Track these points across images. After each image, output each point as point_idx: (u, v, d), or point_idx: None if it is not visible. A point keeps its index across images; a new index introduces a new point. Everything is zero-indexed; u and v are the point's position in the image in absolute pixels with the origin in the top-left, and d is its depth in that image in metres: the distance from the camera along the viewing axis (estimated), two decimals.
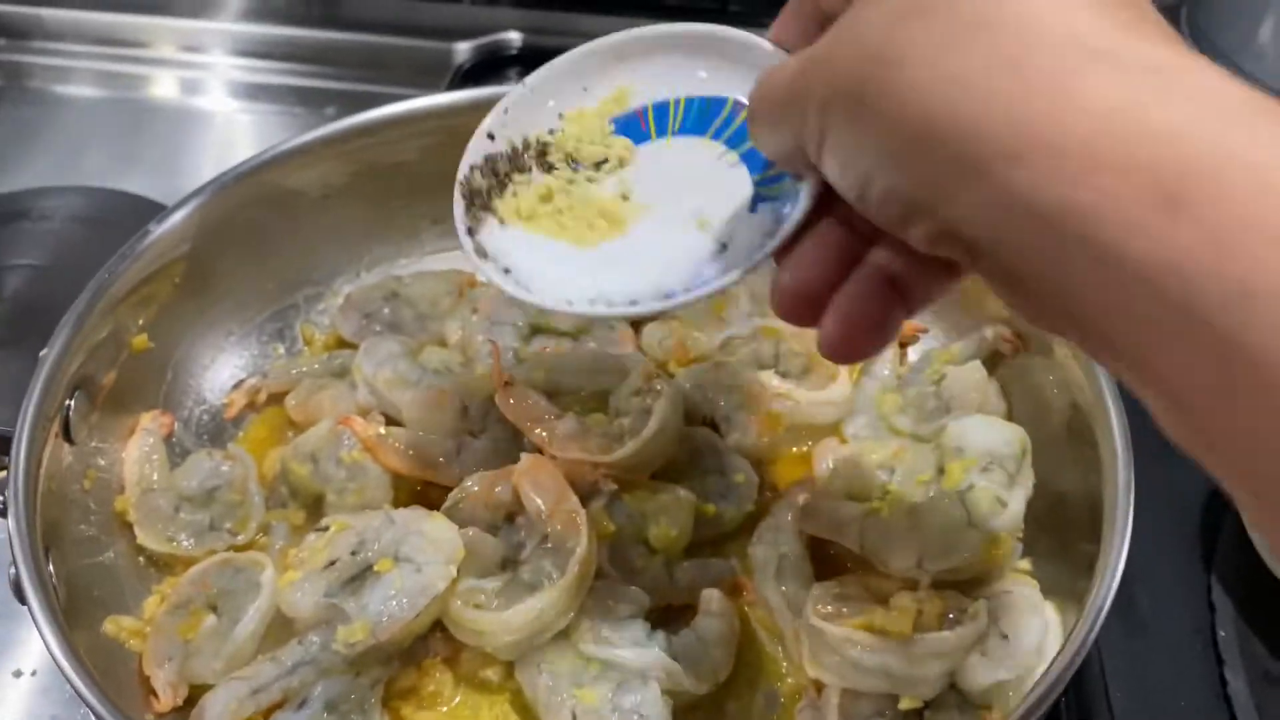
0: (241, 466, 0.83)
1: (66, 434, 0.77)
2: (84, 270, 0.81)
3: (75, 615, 0.70)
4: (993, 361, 0.87)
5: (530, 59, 1.29)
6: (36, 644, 0.71)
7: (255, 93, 1.34)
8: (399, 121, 0.93)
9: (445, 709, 0.73)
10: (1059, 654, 0.62)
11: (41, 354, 0.75)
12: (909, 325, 0.94)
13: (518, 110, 0.63)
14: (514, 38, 1.34)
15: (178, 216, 0.84)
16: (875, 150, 0.39)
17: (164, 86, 1.38)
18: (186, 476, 0.82)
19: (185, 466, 0.83)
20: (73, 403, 0.77)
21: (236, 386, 0.92)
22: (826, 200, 0.48)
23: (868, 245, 0.48)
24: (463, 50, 1.37)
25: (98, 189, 1.19)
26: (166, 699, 0.71)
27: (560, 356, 0.89)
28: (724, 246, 0.56)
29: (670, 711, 0.71)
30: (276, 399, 0.91)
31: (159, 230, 0.83)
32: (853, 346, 0.49)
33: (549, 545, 0.74)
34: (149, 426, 0.84)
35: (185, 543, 0.79)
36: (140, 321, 0.84)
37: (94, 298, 0.78)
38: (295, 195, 0.92)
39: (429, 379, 0.86)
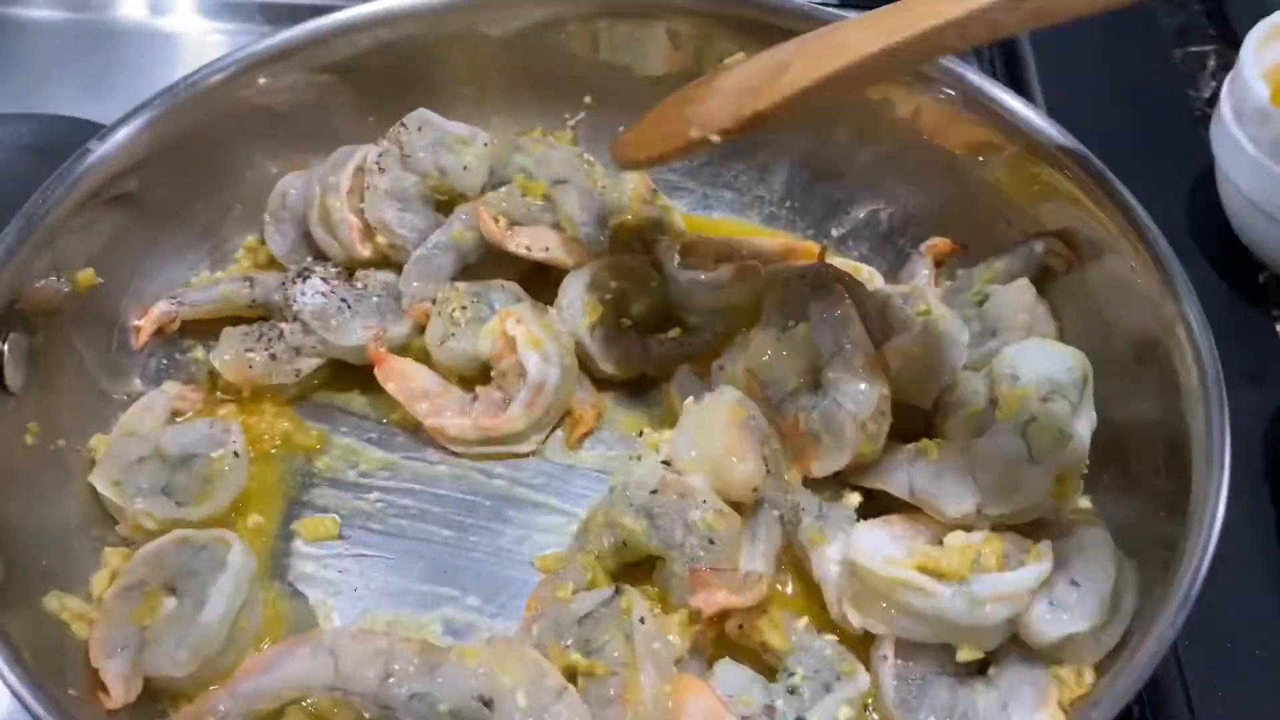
0: (234, 444, 0.74)
1: (0, 380, 0.68)
2: None
3: (14, 590, 0.62)
4: (1042, 279, 0.78)
5: None
6: None
7: (224, 11, 1.24)
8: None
9: None
10: (1163, 613, 0.53)
11: None
12: (945, 241, 0.85)
13: None
14: None
15: (122, 134, 0.74)
16: None
17: (130, 6, 1.28)
18: (176, 435, 0.74)
19: (181, 425, 0.76)
20: (6, 347, 0.68)
21: (144, 314, 0.80)
22: None
23: None
24: None
25: (46, 115, 1.08)
26: (118, 694, 0.61)
27: None
28: None
29: None
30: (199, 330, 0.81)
31: (100, 150, 0.73)
32: None
33: None
34: (168, 390, 0.78)
35: (131, 494, 0.70)
36: (85, 254, 0.74)
37: (25, 229, 0.68)
38: (259, 110, 0.82)
39: None
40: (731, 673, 0.62)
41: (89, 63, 1.19)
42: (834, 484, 0.70)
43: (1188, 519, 0.56)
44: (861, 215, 0.90)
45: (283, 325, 0.79)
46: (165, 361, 0.82)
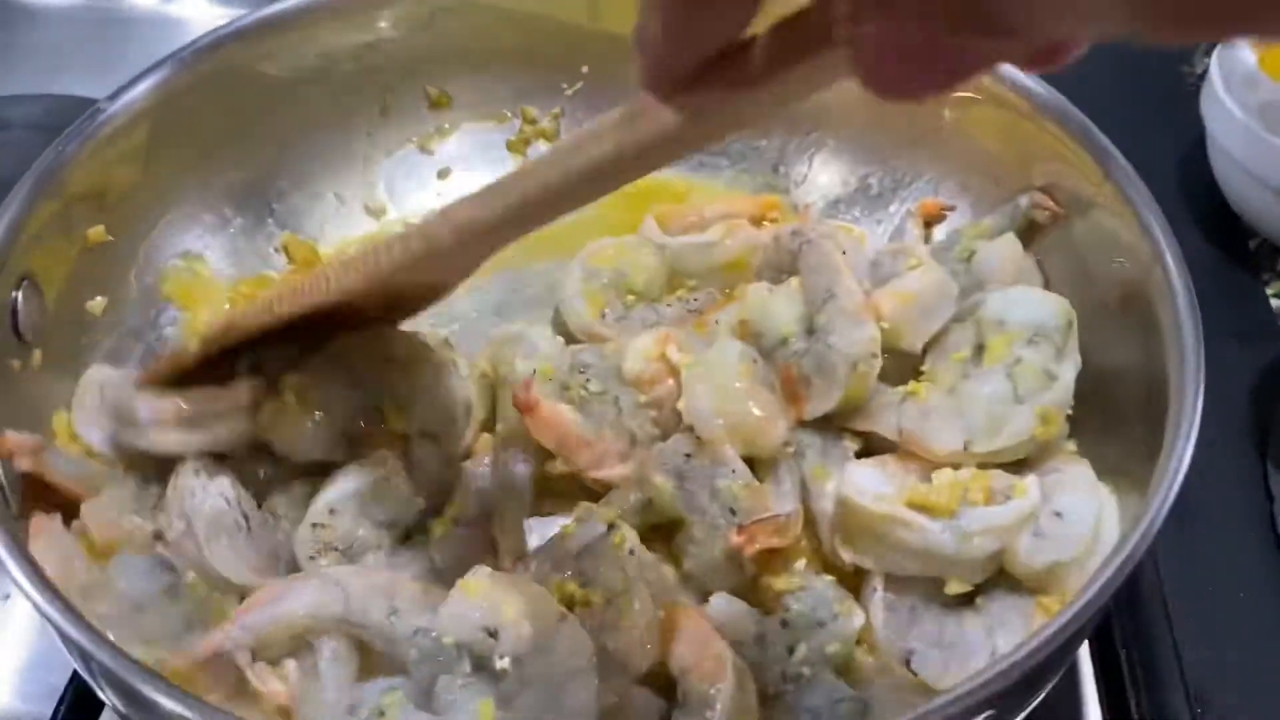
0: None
1: (15, 328, 0.69)
2: None
3: None
4: (1029, 234, 0.80)
5: None
6: None
7: None
8: None
9: None
10: (1132, 537, 0.55)
11: None
12: (934, 202, 0.87)
13: None
14: None
15: (132, 94, 0.76)
16: None
17: None
18: (125, 578, 0.64)
19: (116, 566, 0.65)
20: (20, 295, 0.69)
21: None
22: None
23: None
24: None
25: (59, 96, 1.11)
26: None
27: None
28: None
29: None
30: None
31: (112, 108, 0.75)
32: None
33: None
34: (49, 526, 0.65)
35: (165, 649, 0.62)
36: (95, 210, 0.76)
37: (39, 180, 0.70)
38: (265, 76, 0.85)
39: None
40: (725, 603, 0.64)
41: (101, 48, 1.21)
42: (827, 428, 0.72)
43: (1156, 456, 0.58)
44: (853, 180, 0.92)
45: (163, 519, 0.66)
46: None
